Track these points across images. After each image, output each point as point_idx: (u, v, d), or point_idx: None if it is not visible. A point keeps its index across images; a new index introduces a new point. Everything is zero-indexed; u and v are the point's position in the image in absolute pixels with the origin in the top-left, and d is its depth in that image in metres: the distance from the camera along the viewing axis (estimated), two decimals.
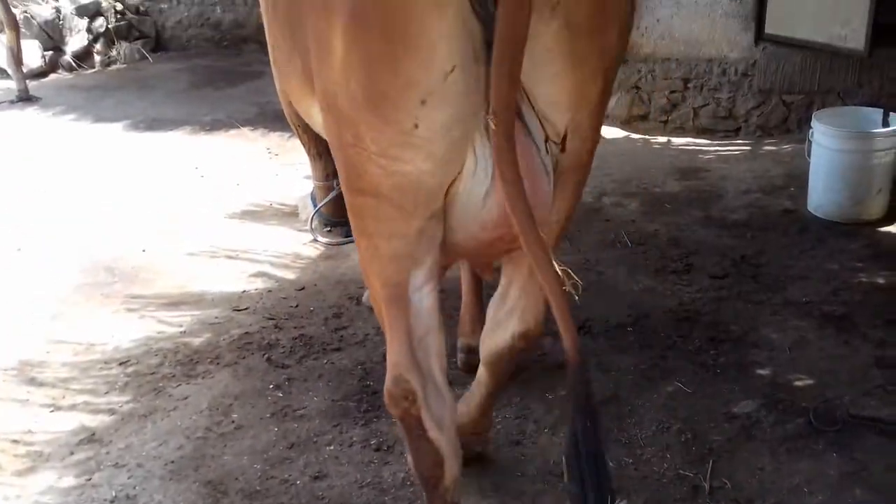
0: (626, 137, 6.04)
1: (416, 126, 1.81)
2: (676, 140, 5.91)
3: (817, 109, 5.62)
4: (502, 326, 2.38)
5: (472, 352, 3.12)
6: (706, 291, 3.88)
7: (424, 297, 2.09)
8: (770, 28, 5.57)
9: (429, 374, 2.15)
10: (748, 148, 5.73)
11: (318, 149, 3.94)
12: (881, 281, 3.91)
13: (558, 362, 3.19)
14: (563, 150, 2.04)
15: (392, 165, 1.87)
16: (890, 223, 4.48)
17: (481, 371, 2.60)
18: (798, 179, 4.98)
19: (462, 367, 3.31)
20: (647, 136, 6.02)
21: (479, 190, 1.95)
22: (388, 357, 2.12)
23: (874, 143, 4.38)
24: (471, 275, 3.37)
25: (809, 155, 4.59)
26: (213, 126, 6.52)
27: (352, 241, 4.54)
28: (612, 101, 6.14)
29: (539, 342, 2.68)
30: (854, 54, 5.19)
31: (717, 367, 3.36)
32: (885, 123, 4.46)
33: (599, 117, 2.13)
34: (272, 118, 6.35)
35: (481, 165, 1.92)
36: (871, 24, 4.98)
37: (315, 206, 4.59)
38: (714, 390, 3.21)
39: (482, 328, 2.50)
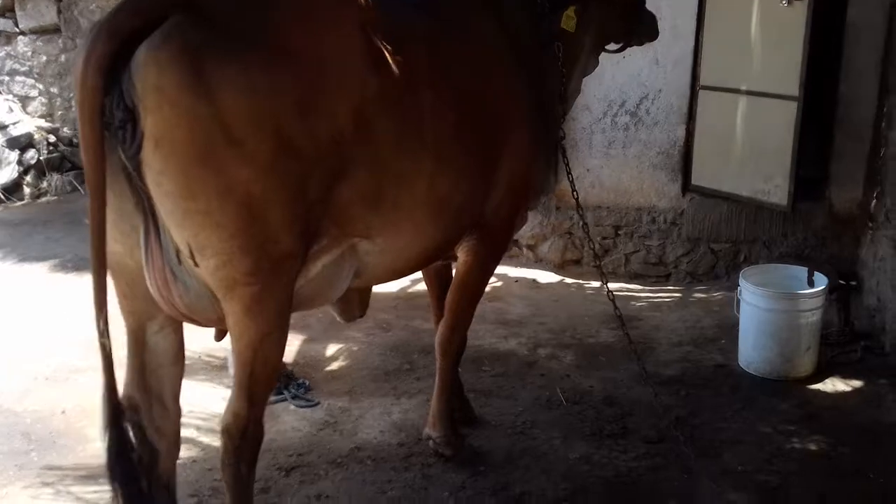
0: (561, 282, 6.10)
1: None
2: (609, 285, 5.97)
3: (743, 258, 5.80)
4: None
5: None
6: (642, 459, 3.83)
7: (161, 340, 2.70)
8: (696, 180, 5.75)
9: (158, 397, 2.72)
10: (679, 295, 5.84)
11: None
12: (813, 447, 3.92)
13: None
14: (195, 264, 2.41)
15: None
16: (819, 380, 4.54)
17: None
18: (728, 331, 5.05)
19: None
20: (580, 281, 6.09)
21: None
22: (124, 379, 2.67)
23: (800, 303, 4.45)
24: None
25: (738, 311, 4.66)
26: None
27: (284, 400, 4.43)
28: (546, 246, 6.23)
29: None
30: (777, 208, 5.37)
31: None
32: (811, 283, 4.57)
33: (233, 247, 2.40)
34: None
35: (142, 251, 2.47)
36: (793, 180, 5.17)
37: None
38: None
39: None
